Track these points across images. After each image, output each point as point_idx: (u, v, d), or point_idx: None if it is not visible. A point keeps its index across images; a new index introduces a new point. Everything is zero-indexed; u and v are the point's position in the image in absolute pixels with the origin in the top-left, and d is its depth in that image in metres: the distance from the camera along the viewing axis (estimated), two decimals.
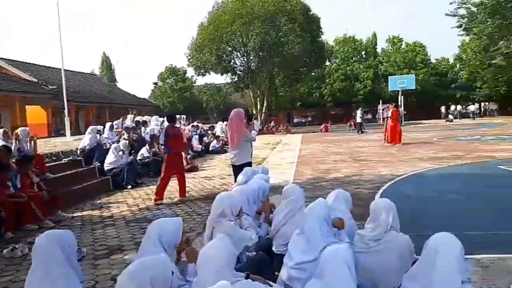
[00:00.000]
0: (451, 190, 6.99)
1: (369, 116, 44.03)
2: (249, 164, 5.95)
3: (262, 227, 3.76)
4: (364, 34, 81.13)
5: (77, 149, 9.82)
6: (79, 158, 9.28)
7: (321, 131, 29.20)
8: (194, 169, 11.24)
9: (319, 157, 12.95)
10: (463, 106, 44.83)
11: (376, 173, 9.02)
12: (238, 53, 32.36)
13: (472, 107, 44.43)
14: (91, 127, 10.34)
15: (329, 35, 76.14)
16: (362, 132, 23.85)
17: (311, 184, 8.02)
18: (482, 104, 47.03)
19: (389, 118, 16.11)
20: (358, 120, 25.22)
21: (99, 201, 7.55)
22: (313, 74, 39.93)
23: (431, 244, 2.15)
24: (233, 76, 34.50)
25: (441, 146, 14.44)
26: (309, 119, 48.92)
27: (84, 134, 11.89)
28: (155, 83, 52.75)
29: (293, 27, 28.50)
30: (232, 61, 33.09)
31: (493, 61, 38.65)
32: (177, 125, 16.15)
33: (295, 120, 48.54)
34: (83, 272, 3.59)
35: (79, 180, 8.06)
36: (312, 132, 29.32)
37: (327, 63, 44.88)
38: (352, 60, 49.97)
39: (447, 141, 16.33)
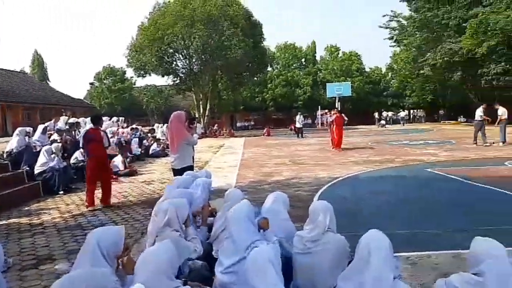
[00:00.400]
0: (383, 191, 7.41)
1: (309, 121, 45.49)
2: (190, 168, 5.86)
3: (200, 230, 3.70)
4: (304, 42, 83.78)
5: (3, 152, 9.07)
6: (6, 162, 8.56)
7: (263, 135, 29.59)
8: (132, 173, 10.85)
9: (261, 160, 13.12)
10: (394, 113, 47.98)
11: (314, 176, 9.32)
12: (180, 55, 31.89)
13: (402, 114, 47.67)
14: (19, 128, 9.63)
15: (271, 41, 77.59)
16: (302, 137, 24.50)
17: (253, 187, 8.09)
18: (411, 111, 50.56)
19: (333, 124, 15.92)
20: (298, 125, 25.74)
21: (27, 208, 7.00)
22: (255, 78, 40.40)
23: (363, 243, 2.24)
24: (175, 78, 33.93)
25: (374, 150, 15.26)
26: (252, 123, 49.44)
27: (11, 136, 11.00)
28: (92, 83, 50.36)
29: (236, 31, 28.69)
30: (174, 63, 32.53)
31: (421, 71, 41.71)
32: (115, 127, 15.61)
33: (238, 124, 48.77)
34: (8, 284, 3.32)
35: (5, 186, 7.41)
36: (255, 136, 29.62)
37: (269, 68, 45.69)
38: (292, 67, 51.37)
39: (380, 145, 17.29)
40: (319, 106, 44.24)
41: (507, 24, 23.85)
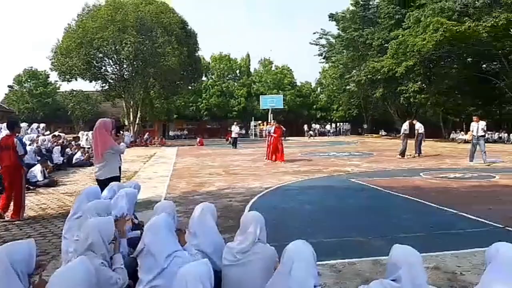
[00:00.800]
0: (311, 201, 7.69)
1: (243, 131, 45.98)
2: (116, 178, 5.57)
3: (121, 244, 3.46)
4: (238, 53, 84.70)
5: None
6: None
7: (197, 145, 29.26)
8: (53, 183, 10.08)
9: (194, 170, 12.93)
10: (321, 125, 50.37)
11: (247, 186, 9.39)
12: (110, 61, 30.59)
13: (328, 127, 50.20)
14: None
15: (206, 51, 77.33)
16: (236, 147, 24.58)
17: (185, 198, 7.93)
18: (338, 124, 53.32)
19: (272, 135, 15.71)
20: (234, 135, 25.62)
21: None
22: (190, 87, 40.03)
23: (288, 253, 2.29)
24: (104, 84, 32.41)
25: (304, 160, 15.81)
26: (186, 132, 48.71)
27: None
28: (10, 87, 46.28)
29: (170, 39, 28.23)
30: (103, 68, 31.11)
31: (347, 87, 44.42)
32: (34, 134, 14.45)
33: (171, 133, 47.74)
34: None
35: None
36: (188, 146, 29.19)
37: (204, 78, 45.64)
38: (227, 78, 51.77)
39: (309, 156, 17.97)
40: (253, 117, 44.96)
41: (423, 47, 26.21)
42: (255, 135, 43.25)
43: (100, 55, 29.51)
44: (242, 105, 48.40)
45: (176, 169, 13.56)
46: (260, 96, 43.00)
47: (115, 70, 31.21)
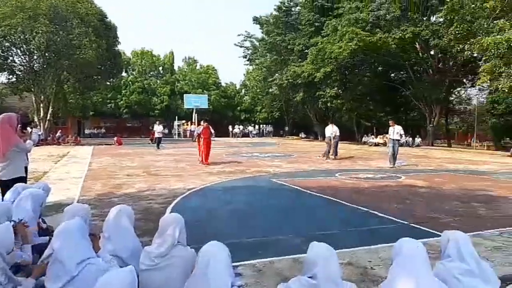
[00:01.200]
0: (234, 201, 7.74)
1: (166, 131, 44.81)
2: (22, 179, 5.05)
3: (24, 249, 3.13)
4: (161, 50, 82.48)
5: None
6: None
7: (115, 144, 27.80)
8: None
9: (111, 171, 12.26)
10: (244, 127, 51.14)
11: (169, 187, 9.14)
12: (19, 50, 27.79)
13: (250, 128, 51.10)
14: None
15: (127, 46, 74.09)
16: (159, 148, 23.72)
17: (100, 201, 7.46)
18: (261, 126, 54.54)
19: (201, 137, 14.73)
20: (157, 134, 24.42)
21: None
22: (108, 83, 37.94)
23: (202, 255, 2.27)
24: (11, 76, 29.29)
25: (228, 161, 15.87)
26: (103, 130, 46.01)
27: None
28: None
29: (87, 31, 26.47)
30: (10, 58, 28.12)
31: (270, 90, 45.63)
32: None
33: (87, 131, 44.81)
34: None
35: None
36: (106, 145, 27.65)
37: (124, 73, 43.59)
38: (149, 74, 50.12)
39: (234, 157, 18.08)
40: (176, 116, 44.04)
41: (339, 54, 27.86)
42: (179, 134, 42.43)
43: (7, 44, 26.65)
44: (165, 103, 47.17)
45: (91, 169, 12.75)
46: (184, 95, 42.33)
47: (24, 61, 28.42)
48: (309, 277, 2.21)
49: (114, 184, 9.61)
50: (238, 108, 52.98)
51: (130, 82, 47.12)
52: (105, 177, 10.87)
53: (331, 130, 17.12)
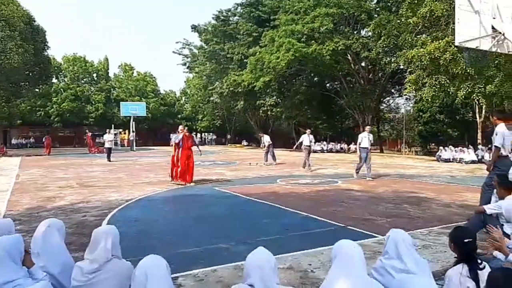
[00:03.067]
0: (175, 211, 7.58)
1: (102, 140, 42.89)
2: None
3: None
4: (95, 56, 79.14)
5: None
6: None
7: (45, 154, 26.01)
8: None
9: (41, 183, 11.42)
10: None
11: (104, 199, 8.71)
12: None
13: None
14: None
15: (57, 51, 70.11)
16: (109, 159, 20.69)
17: (29, 215, 6.91)
18: (203, 134, 54.12)
19: (180, 146, 11.29)
20: (107, 144, 21.89)
21: None
22: (37, 90, 35.48)
23: (139, 270, 2.19)
24: None
25: (164, 170, 15.50)
26: (32, 140, 42.75)
27: None
28: None
29: (13, 35, 24.61)
30: None
31: (211, 98, 45.52)
32: None
33: (14, 141, 41.39)
34: None
35: None
36: (35, 156, 25.76)
37: (55, 80, 41.09)
38: (83, 81, 47.75)
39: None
40: (113, 125, 42.24)
41: (277, 64, 28.56)
42: (116, 144, 40.68)
43: None
44: (100, 111, 45.06)
45: (18, 182, 11.79)
46: (121, 103, 40.77)
47: None
48: (249, 285, 2.22)
49: (44, 197, 8.96)
50: (179, 116, 52.14)
51: (61, 89, 44.50)
52: (34, 190, 10.10)
53: (308, 139, 16.21)
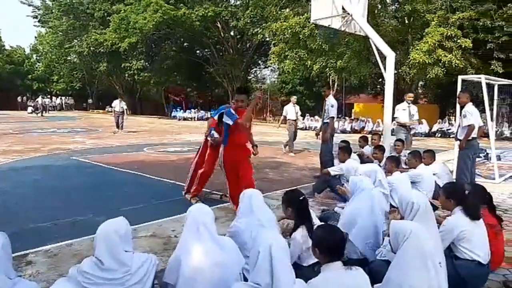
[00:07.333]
0: (25, 183, 6.80)
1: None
2: None
3: None
4: None
5: None
6: None
7: None
8: None
9: None
10: (46, 99, 44.06)
11: None
12: None
13: (47, 100, 44.30)
14: None
15: None
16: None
17: None
18: (61, 98, 48.33)
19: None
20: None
21: None
22: None
23: None
24: None
25: (16, 138, 13.68)
26: None
27: None
28: None
29: None
30: None
31: (69, 58, 40.80)
32: None
33: None
34: None
35: None
36: None
37: None
38: None
39: (23, 133, 15.67)
40: None
41: (144, 25, 26.93)
42: None
43: None
44: None
45: None
46: None
47: None
48: (95, 257, 2.25)
49: None
50: (29, 76, 45.63)
51: None
52: None
53: (294, 110, 11.67)
